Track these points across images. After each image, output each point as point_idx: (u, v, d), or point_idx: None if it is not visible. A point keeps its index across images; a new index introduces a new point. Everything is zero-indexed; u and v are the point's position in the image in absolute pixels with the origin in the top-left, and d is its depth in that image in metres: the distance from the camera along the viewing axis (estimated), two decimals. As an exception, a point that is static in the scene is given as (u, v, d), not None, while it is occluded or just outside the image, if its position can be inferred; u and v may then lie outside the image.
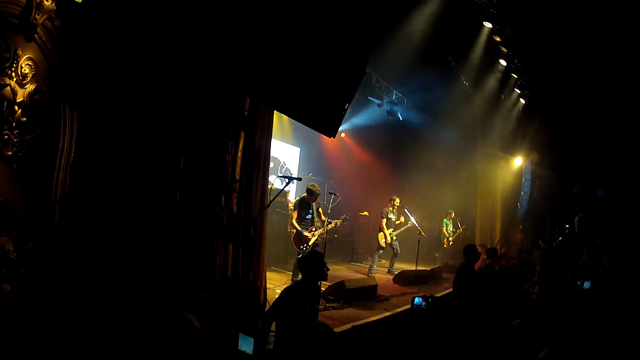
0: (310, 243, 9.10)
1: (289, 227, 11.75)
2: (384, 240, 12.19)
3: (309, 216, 9.30)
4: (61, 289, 4.20)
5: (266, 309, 6.40)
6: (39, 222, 4.21)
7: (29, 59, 4.04)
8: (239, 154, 5.94)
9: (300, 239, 9.15)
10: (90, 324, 4.13)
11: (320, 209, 9.55)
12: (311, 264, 5.02)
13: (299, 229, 9.16)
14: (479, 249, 12.70)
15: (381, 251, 12.35)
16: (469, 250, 8.20)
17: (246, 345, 3.51)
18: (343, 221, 9.68)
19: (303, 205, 9.39)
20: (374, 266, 12.23)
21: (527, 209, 17.49)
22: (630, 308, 4.35)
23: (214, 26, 5.06)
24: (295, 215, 9.35)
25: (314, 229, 9.17)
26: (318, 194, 9.38)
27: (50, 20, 4.15)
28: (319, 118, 5.30)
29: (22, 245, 4.04)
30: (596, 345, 3.32)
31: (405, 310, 7.82)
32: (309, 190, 9.35)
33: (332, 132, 5.43)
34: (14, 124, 3.96)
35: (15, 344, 3.20)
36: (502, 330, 4.12)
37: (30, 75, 4.05)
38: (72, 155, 4.40)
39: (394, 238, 12.30)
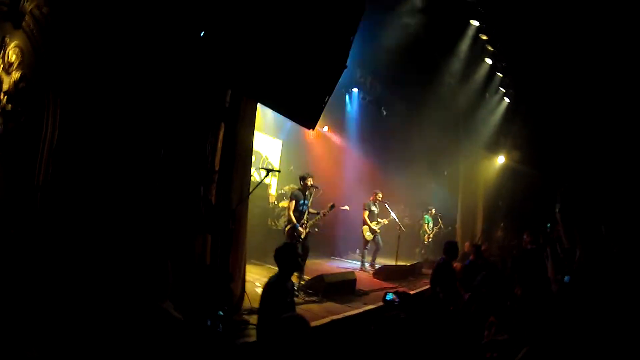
0: (302, 237, 8.92)
1: (269, 220, 11.71)
2: (368, 232, 12.19)
3: (304, 208, 9.10)
4: (43, 277, 4.15)
5: (244, 300, 6.44)
6: (21, 209, 4.14)
7: (17, 46, 3.99)
8: (219, 145, 5.91)
9: (296, 232, 8.94)
10: (72, 313, 4.10)
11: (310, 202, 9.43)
12: (286, 256, 5.08)
13: (295, 222, 8.97)
14: (467, 246, 12.76)
15: (369, 245, 12.37)
16: (449, 247, 7.87)
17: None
18: (330, 209, 9.46)
19: (299, 195, 9.25)
20: (366, 261, 12.30)
21: (509, 207, 17.55)
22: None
23: (198, 18, 5.04)
24: (292, 206, 9.14)
25: (305, 222, 9.01)
26: (311, 181, 9.25)
27: (38, 7, 4.10)
28: (299, 110, 5.30)
29: (5, 232, 3.98)
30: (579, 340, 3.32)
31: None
32: (302, 178, 9.30)
33: (311, 124, 5.44)
34: (-1, 112, 3.88)
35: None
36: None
37: (16, 63, 3.99)
38: (55, 142, 4.34)
39: (379, 230, 12.29)
